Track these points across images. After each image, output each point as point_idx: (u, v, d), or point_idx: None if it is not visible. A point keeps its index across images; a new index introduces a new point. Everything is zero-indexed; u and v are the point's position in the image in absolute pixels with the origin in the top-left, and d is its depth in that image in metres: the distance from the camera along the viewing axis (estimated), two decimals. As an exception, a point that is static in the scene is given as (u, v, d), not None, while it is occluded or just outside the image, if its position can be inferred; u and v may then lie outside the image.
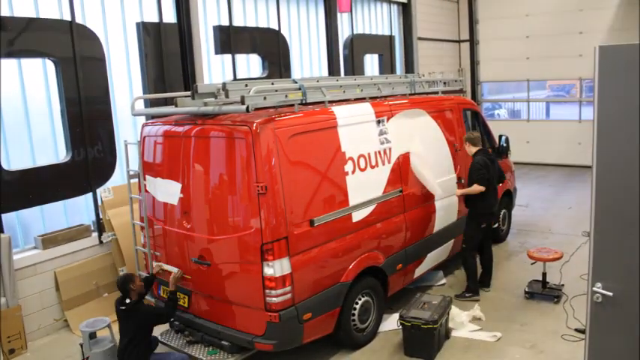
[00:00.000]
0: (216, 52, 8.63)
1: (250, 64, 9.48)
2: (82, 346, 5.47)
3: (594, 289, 3.04)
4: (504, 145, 8.44)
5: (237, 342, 5.00)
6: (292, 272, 4.79)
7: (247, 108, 4.56)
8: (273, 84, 5.30)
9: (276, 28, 9.71)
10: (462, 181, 7.20)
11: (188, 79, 7.93)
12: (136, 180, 5.79)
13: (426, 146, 6.55)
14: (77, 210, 6.94)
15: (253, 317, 4.87)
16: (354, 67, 11.54)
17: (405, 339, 5.51)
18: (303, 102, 5.29)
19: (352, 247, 5.46)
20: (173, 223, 5.40)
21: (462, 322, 5.97)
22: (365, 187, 5.64)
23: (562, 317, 6.01)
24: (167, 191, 5.39)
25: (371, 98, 6.18)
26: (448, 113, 7.24)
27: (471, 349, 5.51)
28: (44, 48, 6.38)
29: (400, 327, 5.51)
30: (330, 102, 5.60)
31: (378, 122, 5.93)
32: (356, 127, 5.62)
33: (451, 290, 6.93)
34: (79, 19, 6.72)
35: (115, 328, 5.34)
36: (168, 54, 7.73)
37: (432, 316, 5.38)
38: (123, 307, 4.80)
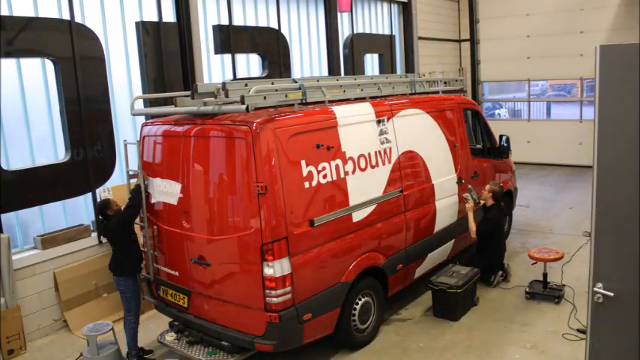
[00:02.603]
0: (216, 52, 8.61)
1: (250, 64, 9.46)
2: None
3: (595, 289, 3.03)
4: (505, 144, 8.42)
5: (237, 342, 4.99)
6: (292, 272, 4.78)
7: (247, 108, 4.54)
8: (273, 83, 5.29)
9: (276, 28, 9.69)
10: (463, 181, 7.18)
11: (188, 78, 7.91)
12: (136, 180, 5.78)
13: (426, 146, 6.53)
14: (76, 210, 6.93)
15: (253, 317, 4.85)
16: (354, 67, 11.51)
17: (434, 301, 6.25)
18: (303, 102, 5.28)
19: (352, 247, 5.44)
20: (173, 223, 5.39)
21: None
22: (365, 187, 5.62)
23: (563, 317, 6.00)
24: (167, 191, 5.38)
25: (371, 98, 6.16)
26: (449, 113, 7.22)
27: (471, 350, 5.50)
28: (43, 47, 6.36)
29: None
30: (330, 102, 5.59)
31: (379, 122, 5.91)
32: (356, 127, 5.60)
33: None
34: (78, 19, 6.71)
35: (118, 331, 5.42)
36: (167, 53, 7.71)
37: (457, 282, 6.08)
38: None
